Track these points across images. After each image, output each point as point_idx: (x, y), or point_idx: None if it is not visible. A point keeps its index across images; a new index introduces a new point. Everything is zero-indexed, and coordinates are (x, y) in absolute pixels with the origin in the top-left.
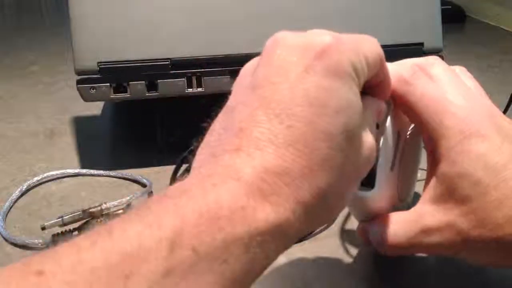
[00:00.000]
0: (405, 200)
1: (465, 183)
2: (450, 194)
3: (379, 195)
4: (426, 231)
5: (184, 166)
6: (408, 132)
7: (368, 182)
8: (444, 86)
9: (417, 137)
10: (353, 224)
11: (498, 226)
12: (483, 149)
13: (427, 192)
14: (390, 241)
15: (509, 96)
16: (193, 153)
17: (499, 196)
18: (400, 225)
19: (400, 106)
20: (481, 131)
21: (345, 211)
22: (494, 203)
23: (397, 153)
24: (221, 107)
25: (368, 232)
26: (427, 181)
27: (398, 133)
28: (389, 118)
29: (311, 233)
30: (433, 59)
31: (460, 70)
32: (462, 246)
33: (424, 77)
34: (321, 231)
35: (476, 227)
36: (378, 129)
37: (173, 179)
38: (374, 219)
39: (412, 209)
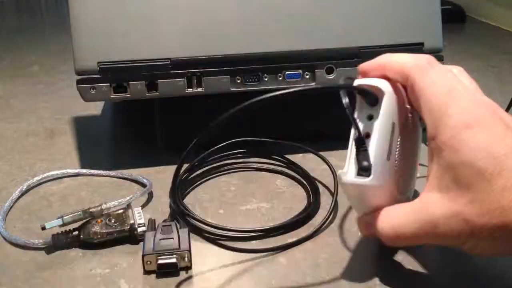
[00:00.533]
0: (405, 194)
1: (468, 171)
2: (455, 182)
3: (377, 183)
4: (433, 220)
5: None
6: (404, 122)
7: (365, 169)
8: (450, 80)
9: (414, 130)
10: (352, 222)
11: (503, 212)
12: (485, 139)
13: (431, 181)
14: (396, 232)
15: (510, 98)
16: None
17: (504, 183)
18: (406, 216)
19: (411, 89)
20: (483, 122)
21: (343, 211)
22: (499, 189)
23: (393, 142)
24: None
25: (372, 225)
26: (430, 170)
27: (393, 123)
28: (383, 108)
29: (312, 233)
30: (433, 57)
31: (458, 71)
32: (469, 235)
33: (439, 68)
34: (321, 231)
35: (482, 215)
36: (371, 120)
37: (176, 176)
38: (376, 211)
39: (417, 199)
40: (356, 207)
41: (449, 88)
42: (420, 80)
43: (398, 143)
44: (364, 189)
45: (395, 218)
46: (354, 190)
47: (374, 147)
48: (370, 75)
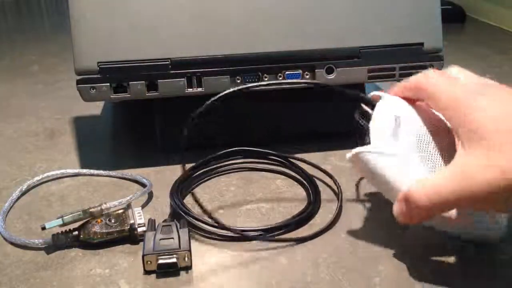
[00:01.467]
0: None
1: (488, 129)
2: (479, 140)
3: (380, 150)
4: (469, 174)
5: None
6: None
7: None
8: (453, 76)
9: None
10: (352, 222)
11: None
12: (488, 101)
13: (459, 151)
14: (432, 194)
15: None
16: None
17: None
18: (440, 177)
19: (427, 99)
20: (487, 92)
21: (343, 211)
22: None
23: (398, 129)
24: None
25: (410, 207)
26: (457, 148)
27: (395, 116)
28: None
29: (313, 235)
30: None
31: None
32: (509, 189)
33: (439, 74)
34: (321, 231)
35: None
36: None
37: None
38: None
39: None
40: (383, 189)
41: (450, 82)
42: (430, 89)
43: (417, 134)
44: (371, 158)
45: (429, 182)
46: (361, 163)
47: (372, 126)
48: None
